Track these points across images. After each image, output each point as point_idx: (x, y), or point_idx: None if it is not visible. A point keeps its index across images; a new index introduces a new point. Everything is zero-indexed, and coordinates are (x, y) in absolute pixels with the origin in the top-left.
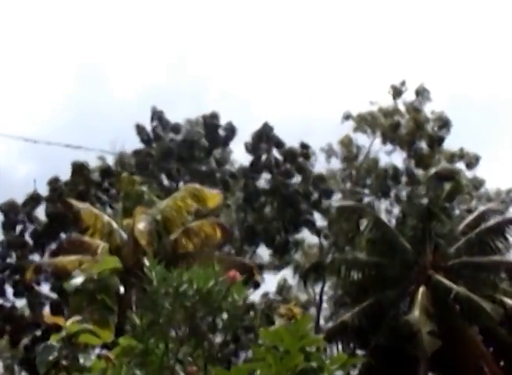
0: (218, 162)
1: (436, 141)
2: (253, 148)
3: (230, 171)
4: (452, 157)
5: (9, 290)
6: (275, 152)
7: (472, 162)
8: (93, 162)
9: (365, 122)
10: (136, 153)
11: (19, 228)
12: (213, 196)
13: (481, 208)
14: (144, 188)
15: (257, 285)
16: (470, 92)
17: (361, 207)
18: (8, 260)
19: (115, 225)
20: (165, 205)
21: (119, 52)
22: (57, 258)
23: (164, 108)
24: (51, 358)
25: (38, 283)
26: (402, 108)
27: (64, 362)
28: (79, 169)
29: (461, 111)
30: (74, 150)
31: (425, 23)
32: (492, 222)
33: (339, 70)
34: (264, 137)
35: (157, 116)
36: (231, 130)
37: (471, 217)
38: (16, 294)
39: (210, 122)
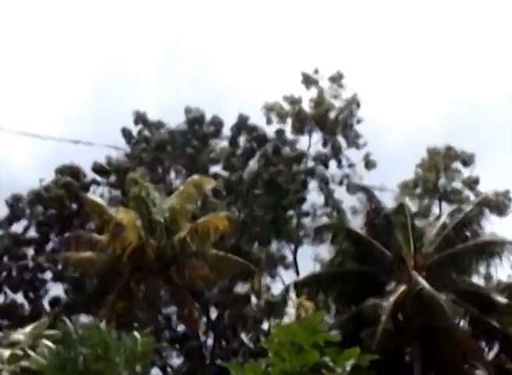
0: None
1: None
2: (232, 140)
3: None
4: (448, 156)
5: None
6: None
7: (467, 160)
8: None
9: (278, 112)
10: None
11: (23, 223)
12: (207, 180)
13: (449, 209)
14: (150, 187)
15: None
16: (477, 97)
17: (336, 224)
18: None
19: (123, 221)
20: (172, 201)
21: (140, 63)
22: (69, 253)
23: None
24: None
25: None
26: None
27: None
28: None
29: (469, 116)
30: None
31: (425, 24)
32: (460, 215)
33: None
34: (243, 128)
35: (140, 119)
36: (219, 124)
37: (443, 218)
38: (13, 289)
39: (195, 117)
